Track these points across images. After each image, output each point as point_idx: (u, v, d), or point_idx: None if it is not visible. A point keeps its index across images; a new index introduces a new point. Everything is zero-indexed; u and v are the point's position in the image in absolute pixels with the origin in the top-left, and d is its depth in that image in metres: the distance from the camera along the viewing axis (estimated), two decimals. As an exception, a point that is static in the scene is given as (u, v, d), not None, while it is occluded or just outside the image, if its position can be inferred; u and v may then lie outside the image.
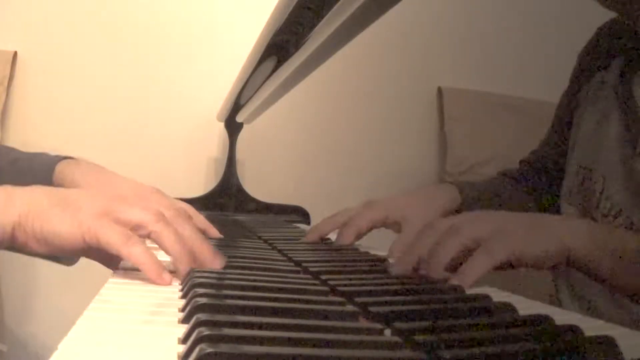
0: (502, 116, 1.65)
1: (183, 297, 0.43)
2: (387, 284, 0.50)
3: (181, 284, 0.47)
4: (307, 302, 0.40)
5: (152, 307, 0.40)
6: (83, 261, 0.61)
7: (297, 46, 0.65)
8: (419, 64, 1.65)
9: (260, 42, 0.75)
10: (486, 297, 0.44)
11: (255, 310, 0.36)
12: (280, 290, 0.43)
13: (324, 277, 0.50)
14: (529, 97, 1.65)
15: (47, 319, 1.40)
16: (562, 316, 0.38)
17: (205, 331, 0.29)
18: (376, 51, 1.57)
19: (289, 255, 0.63)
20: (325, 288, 0.45)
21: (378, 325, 0.35)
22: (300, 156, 1.58)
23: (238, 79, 1.00)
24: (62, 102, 1.44)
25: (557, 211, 0.87)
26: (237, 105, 1.17)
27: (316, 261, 0.60)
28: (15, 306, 1.41)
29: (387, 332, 0.34)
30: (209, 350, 0.26)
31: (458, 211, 0.86)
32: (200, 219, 0.79)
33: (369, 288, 0.46)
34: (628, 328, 0.39)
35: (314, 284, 0.48)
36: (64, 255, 0.49)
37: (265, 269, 0.52)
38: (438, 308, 0.40)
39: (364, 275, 0.54)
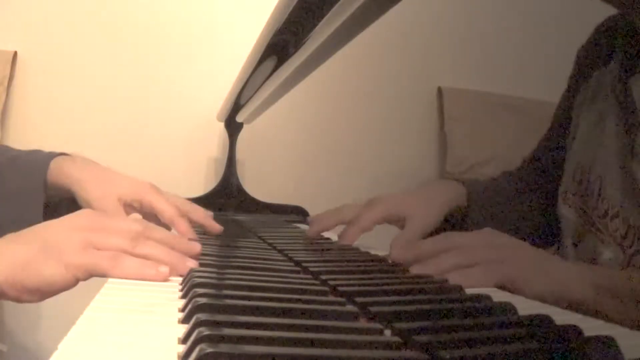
0: (502, 116, 1.65)
1: (183, 297, 0.43)
2: (387, 284, 0.50)
3: (181, 284, 0.47)
4: (307, 302, 0.40)
5: (152, 307, 0.40)
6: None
7: (297, 46, 0.65)
8: (419, 64, 1.65)
9: (260, 42, 0.75)
10: (486, 297, 0.44)
11: (255, 310, 0.36)
12: (280, 290, 0.43)
13: (324, 277, 0.50)
14: (529, 97, 1.65)
15: (47, 319, 1.40)
16: (562, 316, 0.38)
17: (205, 331, 0.29)
18: (376, 51, 1.57)
19: (289, 255, 0.63)
20: (325, 288, 0.45)
21: (378, 325, 0.35)
22: (300, 156, 1.58)
23: (238, 79, 1.00)
24: (62, 102, 1.44)
25: (553, 212, 0.87)
26: (237, 105, 1.17)
27: (316, 261, 0.60)
28: (15, 306, 1.41)
29: (387, 332, 0.34)
30: (209, 350, 0.26)
31: (464, 208, 0.86)
32: (198, 213, 0.79)
33: (369, 288, 0.47)
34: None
35: (314, 284, 0.48)
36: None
37: (265, 269, 0.52)
38: (438, 308, 0.40)
39: (364, 275, 0.54)
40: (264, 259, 0.59)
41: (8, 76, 1.39)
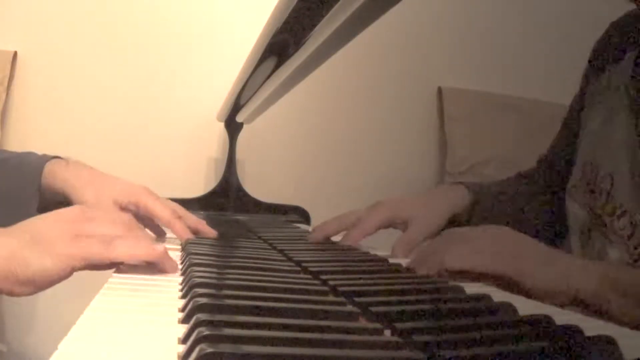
0: (502, 116, 1.65)
1: (183, 297, 0.43)
2: (387, 284, 0.50)
3: (181, 284, 0.47)
4: (307, 302, 0.40)
5: (152, 307, 0.40)
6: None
7: (297, 46, 0.65)
8: (419, 64, 1.65)
9: (260, 42, 0.75)
10: (486, 297, 0.44)
11: (255, 310, 0.36)
12: (280, 290, 0.43)
13: (324, 277, 0.50)
14: (529, 97, 1.65)
15: (47, 318, 1.40)
16: (562, 316, 0.38)
17: (205, 331, 0.29)
18: (376, 51, 1.57)
19: (289, 255, 0.63)
20: (325, 288, 0.45)
21: (378, 325, 0.35)
22: (300, 156, 1.58)
23: (238, 79, 1.00)
24: (62, 102, 1.44)
25: (563, 209, 0.86)
26: (237, 105, 1.17)
27: (316, 261, 0.60)
28: (15, 306, 1.41)
29: (387, 332, 0.34)
30: (209, 350, 0.26)
31: (468, 212, 0.85)
32: (191, 219, 0.79)
33: (369, 288, 0.47)
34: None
35: (314, 284, 0.48)
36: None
37: (265, 269, 0.52)
38: (438, 308, 0.40)
39: (364, 275, 0.54)
40: (264, 259, 0.59)
41: (8, 76, 1.39)
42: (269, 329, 0.32)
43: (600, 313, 0.53)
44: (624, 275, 0.55)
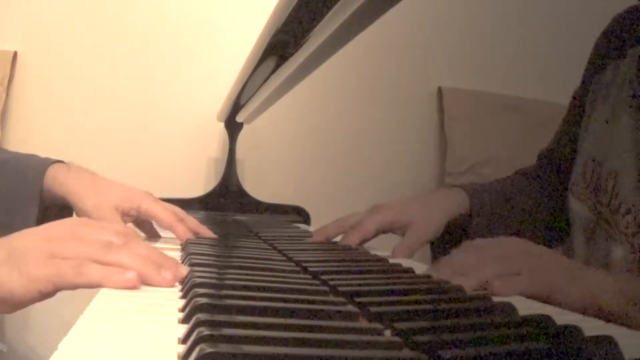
0: (502, 116, 1.65)
1: (183, 297, 0.43)
2: (387, 284, 0.50)
3: (181, 284, 0.47)
4: (307, 302, 0.40)
5: (152, 307, 0.40)
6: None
7: (297, 46, 0.65)
8: (419, 64, 1.65)
9: (260, 42, 0.75)
10: (486, 297, 0.44)
11: (255, 310, 0.36)
12: (280, 290, 0.43)
13: (324, 277, 0.50)
14: (529, 97, 1.65)
15: (47, 319, 1.40)
16: (562, 316, 0.38)
17: (205, 331, 0.29)
18: (376, 51, 1.57)
19: (289, 255, 0.63)
20: (325, 288, 0.45)
21: (378, 325, 0.35)
22: (300, 156, 1.58)
23: (238, 79, 1.00)
24: (62, 102, 1.44)
25: (565, 207, 0.86)
26: (237, 105, 1.17)
27: (316, 261, 0.60)
28: (15, 306, 1.41)
29: (387, 332, 0.34)
30: (209, 350, 0.26)
31: (467, 216, 0.85)
32: (192, 222, 0.79)
33: (369, 288, 0.47)
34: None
35: (314, 284, 0.48)
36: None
37: (265, 269, 0.52)
38: (438, 308, 0.40)
39: (364, 275, 0.54)
40: (264, 259, 0.59)
41: (8, 76, 1.39)
42: (269, 329, 0.32)
43: (625, 325, 0.54)
44: None
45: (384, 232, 0.80)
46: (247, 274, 0.49)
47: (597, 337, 0.32)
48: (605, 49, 0.84)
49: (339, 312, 0.38)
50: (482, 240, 0.62)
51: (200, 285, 0.42)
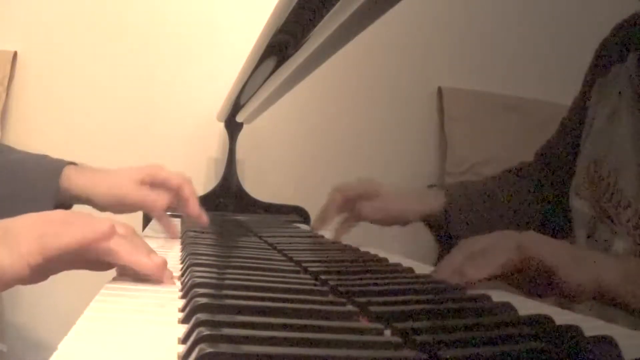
0: (502, 116, 1.65)
1: (183, 297, 0.43)
2: (387, 284, 0.50)
3: (181, 284, 0.47)
4: (307, 302, 0.40)
5: (152, 307, 0.40)
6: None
7: (297, 46, 0.65)
8: (419, 64, 1.65)
9: (260, 42, 0.75)
10: (486, 297, 0.44)
11: (255, 310, 0.36)
12: (280, 290, 0.43)
13: (324, 277, 0.50)
14: (529, 97, 1.65)
15: (47, 319, 1.40)
16: (562, 316, 0.38)
17: (205, 331, 0.29)
18: (376, 51, 1.57)
19: (289, 255, 0.63)
20: (325, 288, 0.45)
21: (378, 325, 0.35)
22: (300, 156, 1.58)
23: (238, 79, 1.00)
24: (62, 102, 1.44)
25: (564, 205, 0.86)
26: (237, 105, 1.17)
27: (316, 261, 0.60)
28: (16, 306, 1.41)
29: (387, 332, 0.34)
30: (209, 350, 0.26)
31: (441, 215, 0.88)
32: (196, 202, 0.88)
33: (369, 288, 0.47)
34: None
35: (314, 284, 0.48)
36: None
37: (265, 269, 0.52)
38: (438, 308, 0.40)
39: (364, 275, 0.54)
40: (264, 259, 0.59)
41: (8, 76, 1.39)
42: (269, 329, 0.32)
43: (621, 307, 0.54)
44: None
45: (354, 199, 0.89)
46: (247, 274, 0.49)
47: (597, 337, 0.32)
48: (608, 52, 0.85)
49: (339, 312, 0.38)
50: (474, 238, 0.62)
51: (200, 285, 0.42)
